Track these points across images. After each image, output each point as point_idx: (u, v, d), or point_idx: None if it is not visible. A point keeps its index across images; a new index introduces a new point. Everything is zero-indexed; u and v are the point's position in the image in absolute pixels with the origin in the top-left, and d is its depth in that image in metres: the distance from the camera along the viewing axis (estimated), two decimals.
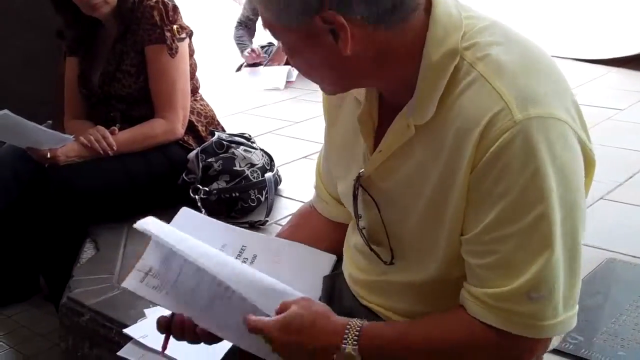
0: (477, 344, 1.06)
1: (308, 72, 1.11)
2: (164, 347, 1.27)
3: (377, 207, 1.16)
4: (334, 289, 1.36)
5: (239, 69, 5.21)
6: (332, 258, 1.37)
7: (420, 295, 1.17)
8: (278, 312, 1.14)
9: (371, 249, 1.20)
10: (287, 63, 5.03)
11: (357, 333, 1.09)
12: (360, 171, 1.16)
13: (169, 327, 1.24)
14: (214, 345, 1.25)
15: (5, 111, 2.33)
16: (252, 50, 5.11)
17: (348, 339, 1.09)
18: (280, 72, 4.88)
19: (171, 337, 1.25)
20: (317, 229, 1.41)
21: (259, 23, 5.51)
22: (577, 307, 1.06)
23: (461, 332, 1.07)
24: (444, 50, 1.03)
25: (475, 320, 1.05)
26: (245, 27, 5.30)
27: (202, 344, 1.24)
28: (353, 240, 1.31)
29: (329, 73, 1.08)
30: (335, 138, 1.29)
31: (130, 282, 1.23)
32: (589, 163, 1.05)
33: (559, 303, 1.02)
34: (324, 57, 1.04)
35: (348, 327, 1.10)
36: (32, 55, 3.24)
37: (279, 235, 1.44)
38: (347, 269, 1.33)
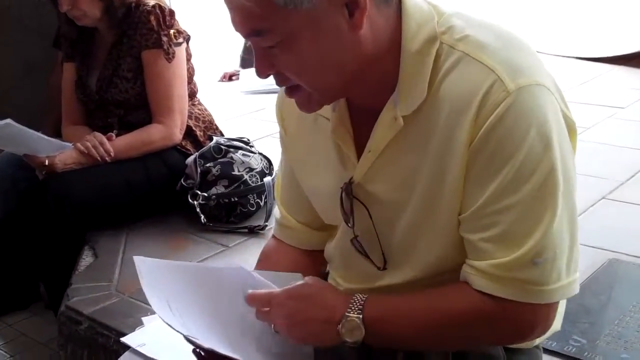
0: (484, 316, 1.05)
1: (299, 71, 1.04)
2: None
3: (368, 212, 1.15)
4: None
5: (221, 79, 5.19)
6: (298, 276, 1.28)
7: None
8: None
9: (367, 257, 1.18)
10: None
11: (362, 302, 1.07)
12: (350, 178, 1.15)
13: None
14: None
15: (9, 120, 2.32)
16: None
17: (353, 308, 1.07)
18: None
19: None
20: (287, 262, 1.36)
21: None
22: (577, 273, 1.07)
23: (467, 305, 1.06)
24: (422, 39, 1.05)
25: (480, 293, 1.05)
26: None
27: None
28: (337, 253, 1.29)
29: (325, 70, 1.03)
30: (302, 154, 1.28)
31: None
32: (570, 129, 1.09)
33: (562, 266, 1.03)
34: (330, 43, 1.01)
35: (354, 298, 1.08)
36: (32, 62, 3.24)
37: None
38: (339, 284, 1.30)
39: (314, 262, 1.36)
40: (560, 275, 1.03)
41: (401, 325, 1.08)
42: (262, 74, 1.06)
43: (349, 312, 1.07)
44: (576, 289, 1.07)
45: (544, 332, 1.10)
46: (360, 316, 1.06)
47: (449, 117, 1.03)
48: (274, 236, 1.42)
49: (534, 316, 1.05)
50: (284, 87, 1.11)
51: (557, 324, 1.26)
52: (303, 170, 1.29)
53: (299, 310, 1.10)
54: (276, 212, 1.42)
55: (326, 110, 1.16)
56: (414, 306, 1.09)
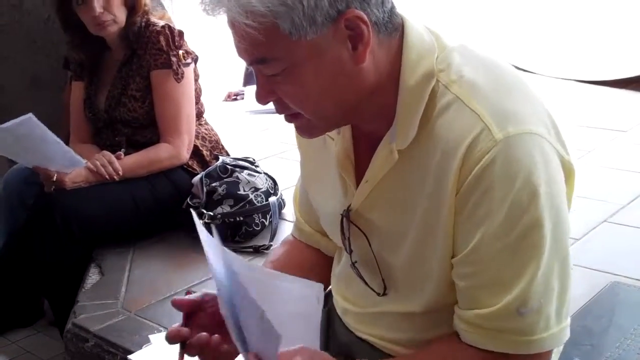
0: None
1: (300, 99, 1.04)
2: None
3: (367, 239, 1.15)
4: (328, 326, 1.35)
5: (225, 99, 5.21)
6: (320, 287, 1.30)
7: (418, 324, 1.16)
8: None
9: (365, 283, 1.19)
10: None
11: None
12: (348, 205, 1.16)
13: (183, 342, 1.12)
14: None
15: (30, 115, 2.26)
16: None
17: None
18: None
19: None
20: (301, 258, 1.38)
21: None
22: (569, 319, 1.07)
23: None
24: (420, 74, 1.04)
25: (470, 348, 1.05)
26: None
27: None
28: (340, 272, 1.30)
29: (326, 99, 1.03)
30: (311, 172, 1.30)
31: None
32: (568, 173, 1.07)
33: (550, 316, 1.03)
34: (332, 74, 1.01)
35: None
36: (40, 77, 3.27)
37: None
38: (338, 302, 1.32)
39: (327, 263, 1.38)
40: (549, 324, 1.03)
41: None
42: (262, 100, 1.07)
43: None
44: (567, 335, 1.06)
45: None
46: None
47: (440, 159, 1.03)
48: (292, 234, 1.44)
49: None
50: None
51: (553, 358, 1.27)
52: (312, 188, 1.31)
53: None
54: (293, 214, 1.44)
55: (334, 131, 1.17)
56: None
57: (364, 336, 1.25)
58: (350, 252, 1.20)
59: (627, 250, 2.45)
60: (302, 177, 1.36)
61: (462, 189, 1.00)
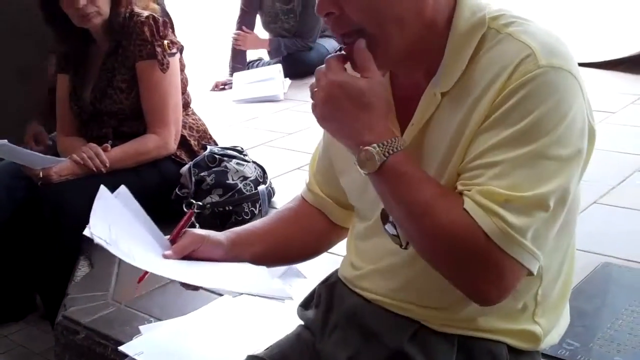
0: (461, 236, 1.01)
1: (369, 10, 1.06)
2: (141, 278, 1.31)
3: None
4: (333, 296, 1.34)
5: (213, 89, 5.17)
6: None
7: (434, 275, 1.09)
8: None
9: (396, 234, 1.19)
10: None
11: (395, 149, 1.04)
12: None
13: None
14: None
15: (5, 141, 2.35)
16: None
17: (384, 146, 1.04)
18: (274, 75, 4.60)
19: None
20: (309, 221, 1.40)
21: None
22: (541, 256, 1.03)
23: (457, 220, 1.02)
24: (472, 22, 1.10)
25: (468, 215, 1.01)
26: (244, 15, 5.24)
27: None
28: (360, 231, 1.30)
29: (391, 18, 1.07)
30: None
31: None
32: (591, 136, 1.10)
33: (536, 235, 1.01)
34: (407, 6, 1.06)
35: (392, 139, 1.05)
36: (26, 68, 3.25)
37: (259, 226, 1.43)
38: (353, 263, 1.30)
39: (332, 232, 1.40)
40: (534, 242, 1.01)
41: (408, 191, 1.05)
42: (323, 9, 1.08)
43: (378, 147, 1.04)
44: (535, 266, 1.03)
45: (499, 295, 1.04)
46: (384, 159, 1.04)
47: (486, 85, 1.06)
48: (301, 195, 1.45)
49: (498, 264, 1.00)
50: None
51: (555, 337, 1.27)
52: (338, 151, 1.29)
53: (342, 108, 1.07)
54: (306, 178, 1.45)
55: None
56: (426, 189, 1.05)
57: (376, 297, 1.23)
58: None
59: (617, 231, 2.46)
60: (325, 142, 1.38)
61: (498, 99, 1.04)
